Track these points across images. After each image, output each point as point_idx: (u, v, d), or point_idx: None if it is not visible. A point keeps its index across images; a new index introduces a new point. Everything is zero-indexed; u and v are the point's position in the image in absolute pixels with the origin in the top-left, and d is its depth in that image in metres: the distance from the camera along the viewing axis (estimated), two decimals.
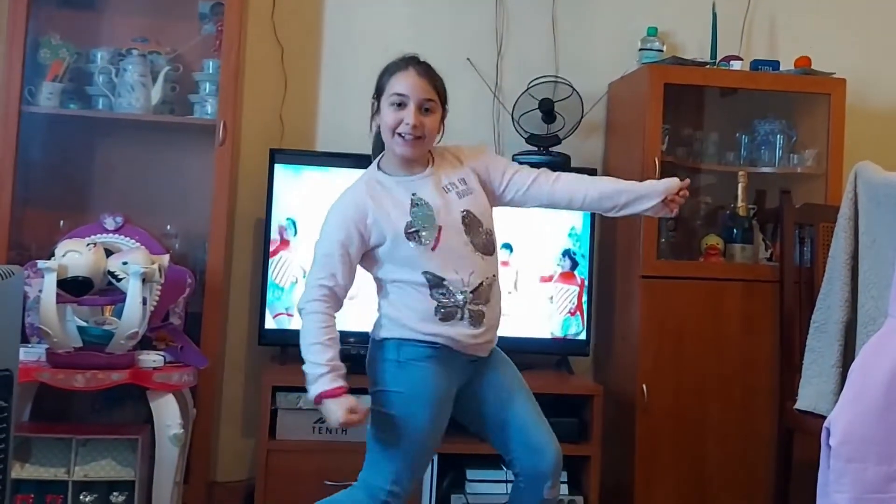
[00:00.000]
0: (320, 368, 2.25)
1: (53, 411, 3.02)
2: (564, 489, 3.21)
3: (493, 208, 2.50)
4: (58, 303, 2.67)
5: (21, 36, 3.20)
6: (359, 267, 2.39)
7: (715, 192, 3.71)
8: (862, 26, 3.97)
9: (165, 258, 2.93)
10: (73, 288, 2.69)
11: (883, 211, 2.86)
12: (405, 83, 2.35)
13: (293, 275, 3.34)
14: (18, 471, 2.72)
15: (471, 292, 2.34)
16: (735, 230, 3.52)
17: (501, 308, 2.47)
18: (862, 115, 3.75)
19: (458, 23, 3.74)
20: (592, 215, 3.51)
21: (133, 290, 2.71)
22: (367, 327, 2.46)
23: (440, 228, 2.33)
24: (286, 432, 3.16)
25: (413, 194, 2.37)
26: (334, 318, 2.32)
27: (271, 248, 3.35)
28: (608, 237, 3.68)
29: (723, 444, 3.36)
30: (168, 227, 3.40)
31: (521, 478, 2.45)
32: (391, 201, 2.36)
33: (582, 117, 3.63)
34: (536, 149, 3.58)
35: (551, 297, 3.49)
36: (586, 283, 3.51)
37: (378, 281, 2.41)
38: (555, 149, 3.58)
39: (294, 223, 3.36)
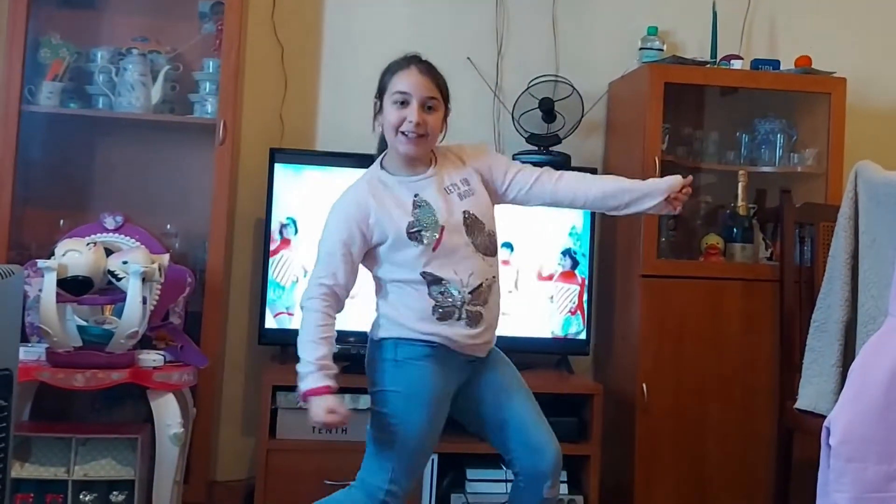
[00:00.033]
0: (309, 366, 2.26)
1: (53, 411, 3.02)
2: (564, 488, 3.21)
3: (496, 206, 2.50)
4: (58, 302, 2.66)
5: (21, 35, 3.20)
6: (360, 266, 2.39)
7: (715, 192, 3.71)
8: (862, 26, 3.97)
9: (165, 257, 2.93)
10: (73, 287, 2.69)
11: (883, 210, 2.86)
12: (408, 81, 2.35)
13: (294, 274, 3.34)
14: (18, 470, 2.72)
15: (469, 293, 2.34)
16: (735, 229, 3.52)
17: (500, 309, 2.47)
18: (862, 115, 3.75)
19: (459, 22, 3.74)
20: (593, 214, 3.51)
21: (133, 290, 2.71)
22: (366, 327, 2.47)
23: (442, 229, 2.34)
24: (286, 432, 3.16)
25: (416, 195, 2.37)
26: (332, 317, 2.32)
27: (272, 247, 3.35)
28: (608, 236, 3.68)
29: (723, 443, 3.36)
30: (168, 226, 3.40)
31: (521, 477, 2.45)
32: (393, 201, 2.36)
33: (582, 117, 3.63)
34: (536, 148, 3.58)
35: (552, 297, 3.49)
36: (587, 282, 3.51)
37: (377, 280, 2.41)
38: (555, 148, 3.58)
39: (294, 222, 3.35)
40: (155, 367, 2.81)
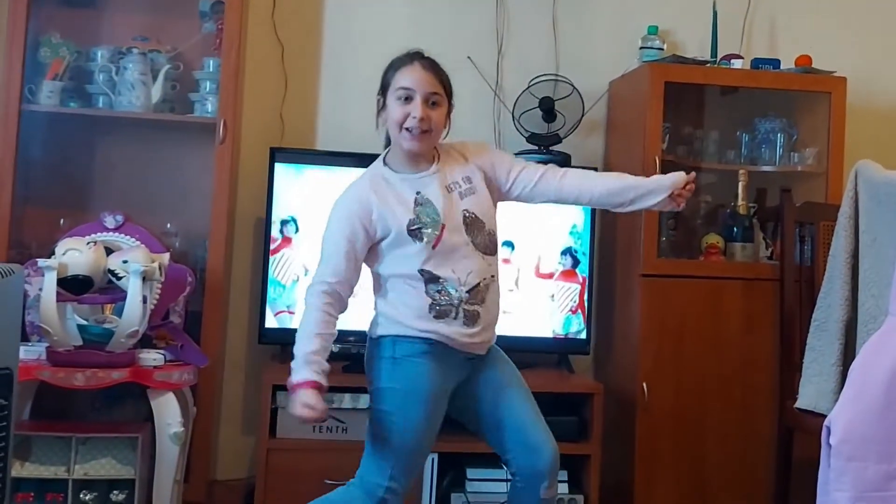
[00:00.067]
0: (299, 359, 2.26)
1: (53, 410, 3.02)
2: (565, 488, 3.21)
3: (500, 203, 2.50)
4: (58, 301, 2.67)
5: (21, 34, 3.20)
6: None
7: (715, 191, 3.71)
8: (862, 25, 3.97)
9: (166, 257, 2.93)
10: (73, 286, 2.69)
11: (883, 209, 2.86)
12: (411, 77, 2.35)
13: (295, 272, 3.34)
14: (18, 469, 2.72)
15: (467, 292, 2.34)
16: (735, 229, 3.51)
17: (500, 308, 2.47)
18: (862, 114, 3.75)
19: (459, 21, 3.74)
20: (593, 213, 3.51)
21: (133, 289, 2.71)
22: (366, 326, 2.47)
23: (443, 227, 2.34)
24: (286, 431, 3.15)
25: (418, 193, 2.37)
26: (332, 315, 2.32)
27: (273, 246, 3.35)
28: (608, 235, 3.68)
29: (723, 442, 3.36)
30: (168, 225, 3.40)
31: (518, 477, 2.45)
32: (395, 198, 2.36)
33: (582, 116, 3.63)
34: (537, 148, 3.57)
35: (552, 295, 3.49)
36: (587, 281, 3.51)
37: (377, 276, 2.41)
38: (555, 147, 3.58)
39: (295, 220, 3.35)
40: (155, 367, 2.80)
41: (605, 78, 3.78)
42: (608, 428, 3.31)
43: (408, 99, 2.34)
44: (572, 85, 3.63)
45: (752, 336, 3.38)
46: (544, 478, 2.40)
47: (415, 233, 2.33)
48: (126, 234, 3.10)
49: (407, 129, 2.34)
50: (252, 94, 3.62)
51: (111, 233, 3.10)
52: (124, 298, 2.72)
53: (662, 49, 3.66)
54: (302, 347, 2.26)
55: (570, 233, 3.50)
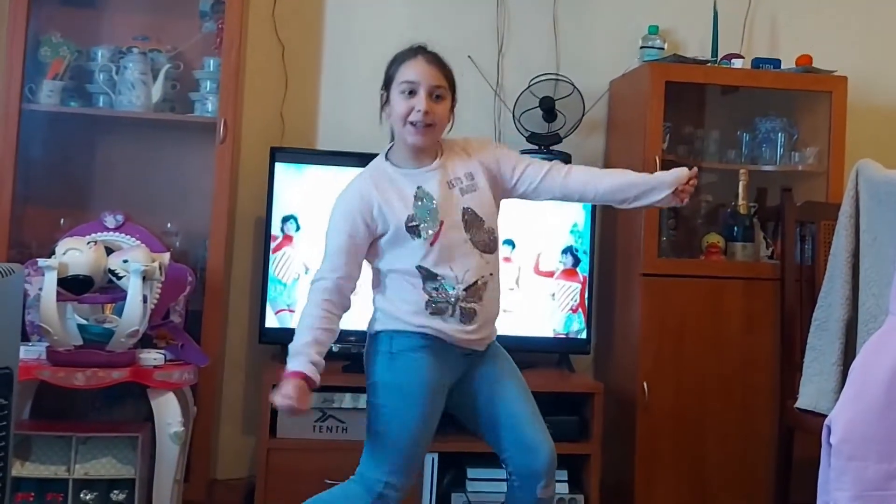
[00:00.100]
0: (290, 352, 2.27)
1: (54, 409, 3.02)
2: (565, 487, 3.22)
3: (503, 200, 2.50)
4: (58, 301, 2.66)
5: (21, 34, 3.19)
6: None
7: (716, 190, 3.71)
8: (863, 25, 3.97)
9: (166, 256, 2.93)
10: (73, 286, 2.69)
11: (884, 209, 2.86)
12: (415, 70, 2.35)
13: (296, 271, 3.35)
14: (19, 469, 2.72)
15: (464, 289, 2.34)
16: (736, 228, 3.51)
17: (499, 305, 2.46)
18: (863, 113, 3.75)
19: (459, 21, 3.74)
20: (593, 212, 3.51)
21: (133, 288, 2.71)
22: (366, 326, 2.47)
23: (441, 224, 2.34)
24: (287, 431, 3.15)
25: (418, 187, 2.37)
26: (331, 311, 2.31)
27: (274, 245, 3.35)
28: (609, 234, 3.68)
29: (723, 442, 3.36)
30: (168, 225, 3.40)
31: (515, 477, 2.44)
32: (396, 193, 2.36)
33: (583, 115, 3.63)
34: (537, 147, 3.57)
35: (553, 294, 3.49)
36: (588, 280, 3.51)
37: (375, 272, 2.42)
38: (556, 147, 3.58)
39: (296, 219, 3.36)
40: (155, 366, 2.80)
41: (606, 77, 3.78)
42: (608, 427, 3.31)
43: (412, 93, 2.34)
44: (573, 84, 3.63)
45: (753, 335, 3.38)
46: (540, 477, 2.39)
47: (413, 229, 2.33)
48: (126, 234, 3.10)
49: (411, 122, 2.33)
50: (252, 93, 3.62)
51: (111, 232, 3.10)
52: (124, 298, 2.72)
53: (663, 49, 3.66)
54: (296, 340, 2.28)
55: (571, 231, 3.50)
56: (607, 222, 3.67)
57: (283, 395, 2.18)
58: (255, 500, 3.12)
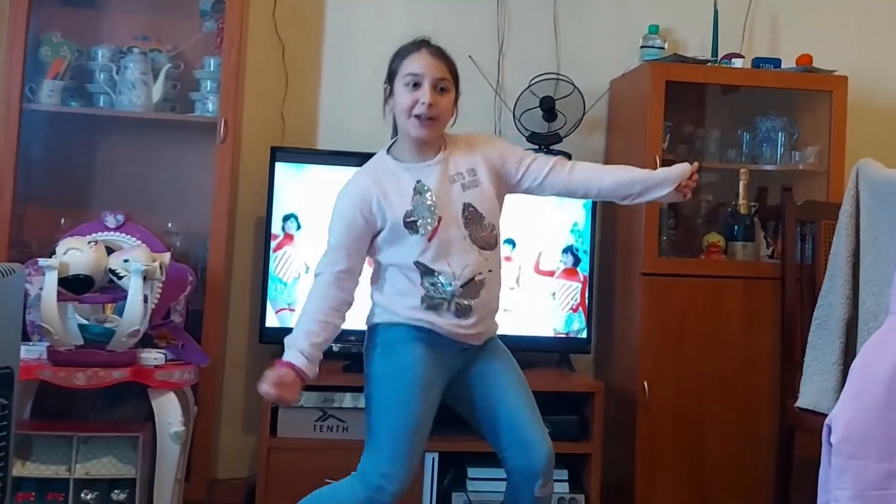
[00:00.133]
0: (285, 343, 2.31)
1: (54, 409, 3.02)
2: (565, 487, 3.22)
3: (507, 196, 2.50)
4: (59, 300, 2.67)
5: (22, 34, 3.19)
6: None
7: (716, 190, 3.71)
8: (863, 24, 3.97)
9: (166, 256, 2.93)
10: (74, 286, 2.69)
11: (884, 208, 2.86)
12: (419, 63, 2.35)
13: (296, 270, 3.35)
14: (19, 469, 2.72)
15: (461, 286, 2.34)
16: (736, 227, 3.51)
17: (498, 302, 2.46)
18: (863, 113, 3.75)
19: (460, 20, 3.74)
20: (593, 211, 3.52)
21: (134, 288, 2.71)
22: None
23: (440, 219, 2.34)
24: (287, 430, 3.16)
25: (417, 181, 2.37)
26: (328, 302, 2.33)
27: (275, 244, 3.36)
28: (609, 234, 3.68)
29: (724, 441, 3.36)
30: (169, 224, 3.41)
31: (512, 476, 2.44)
32: (395, 187, 2.36)
33: (583, 115, 3.63)
34: (538, 147, 3.57)
35: (554, 294, 3.49)
36: (588, 279, 3.51)
37: (375, 265, 2.43)
38: (556, 147, 3.58)
39: (297, 217, 3.36)
40: (156, 366, 2.80)
41: (606, 77, 3.78)
42: (609, 427, 3.31)
43: (416, 85, 2.34)
44: (573, 84, 3.63)
45: (753, 335, 3.38)
46: (538, 476, 2.38)
47: (411, 224, 2.33)
48: (127, 234, 3.10)
49: (416, 115, 2.33)
50: (253, 93, 3.62)
51: (112, 232, 3.10)
52: (125, 298, 2.72)
53: (663, 48, 3.66)
54: (292, 332, 2.32)
55: (572, 231, 3.50)
56: (607, 222, 3.67)
57: (267, 384, 2.22)
58: (256, 500, 3.13)
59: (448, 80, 2.38)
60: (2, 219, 3.17)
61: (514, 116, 3.62)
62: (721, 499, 3.36)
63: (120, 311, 2.79)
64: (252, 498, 3.19)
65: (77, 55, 3.36)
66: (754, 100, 3.69)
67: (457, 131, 2.51)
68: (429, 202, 2.34)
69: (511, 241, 3.40)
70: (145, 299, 2.75)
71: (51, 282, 2.65)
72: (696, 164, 2.52)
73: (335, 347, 3.24)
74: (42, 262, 2.67)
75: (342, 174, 2.47)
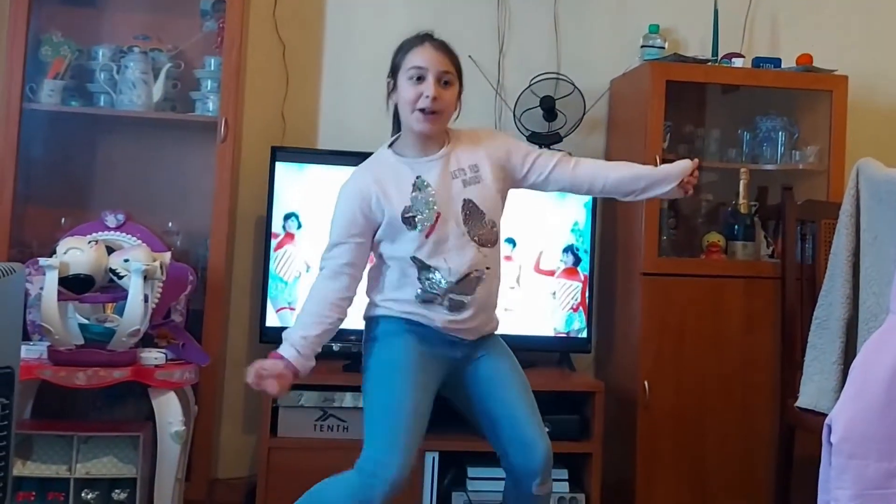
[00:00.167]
0: (285, 334, 2.33)
1: (55, 409, 3.02)
2: (565, 486, 3.22)
3: (511, 190, 2.50)
4: (59, 300, 2.67)
5: (22, 33, 3.20)
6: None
7: (716, 189, 3.71)
8: (863, 24, 3.97)
9: (167, 255, 2.93)
10: (74, 285, 2.69)
11: (884, 208, 2.85)
12: (423, 56, 2.35)
13: (297, 269, 3.35)
14: (20, 468, 2.72)
15: (455, 282, 2.34)
16: (737, 227, 3.51)
17: (495, 299, 2.47)
18: (864, 112, 3.75)
19: (460, 20, 3.73)
20: (594, 211, 3.51)
21: (134, 288, 2.71)
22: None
23: (438, 215, 2.34)
24: (287, 430, 3.16)
25: (417, 177, 2.37)
26: (327, 296, 2.34)
27: (276, 242, 3.36)
28: (609, 234, 3.68)
29: (724, 440, 3.36)
30: (169, 224, 3.41)
31: (511, 474, 2.44)
32: (394, 182, 2.36)
33: (583, 115, 3.63)
34: (538, 146, 3.56)
35: (554, 293, 3.49)
36: (588, 279, 3.51)
37: (376, 258, 2.43)
38: (556, 146, 3.58)
39: (297, 217, 3.36)
40: (156, 365, 2.81)
41: (607, 76, 3.78)
42: (609, 426, 3.31)
43: (420, 78, 2.34)
44: (573, 84, 3.63)
45: (753, 334, 3.38)
46: (536, 475, 2.37)
47: (409, 220, 2.33)
48: (127, 233, 3.10)
49: (420, 109, 2.33)
50: (253, 92, 3.62)
51: (112, 232, 3.10)
52: (125, 297, 2.72)
53: (663, 48, 3.66)
54: (293, 325, 2.36)
55: (572, 230, 3.50)
56: (608, 221, 3.67)
57: (252, 371, 2.26)
58: (256, 499, 3.13)
59: (452, 74, 2.38)
60: (2, 218, 3.17)
61: (514, 116, 3.62)
62: (721, 498, 3.36)
63: (120, 311, 2.79)
64: (252, 497, 3.19)
65: (77, 55, 3.36)
66: (754, 99, 3.69)
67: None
68: (428, 198, 2.35)
69: (511, 241, 3.40)
70: (146, 299, 2.75)
71: (51, 281, 2.65)
72: (696, 160, 2.53)
73: (335, 347, 3.25)
74: (42, 261, 2.67)
75: (342, 174, 2.47)
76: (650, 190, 2.51)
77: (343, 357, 3.25)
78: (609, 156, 3.78)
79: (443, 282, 2.34)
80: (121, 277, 2.73)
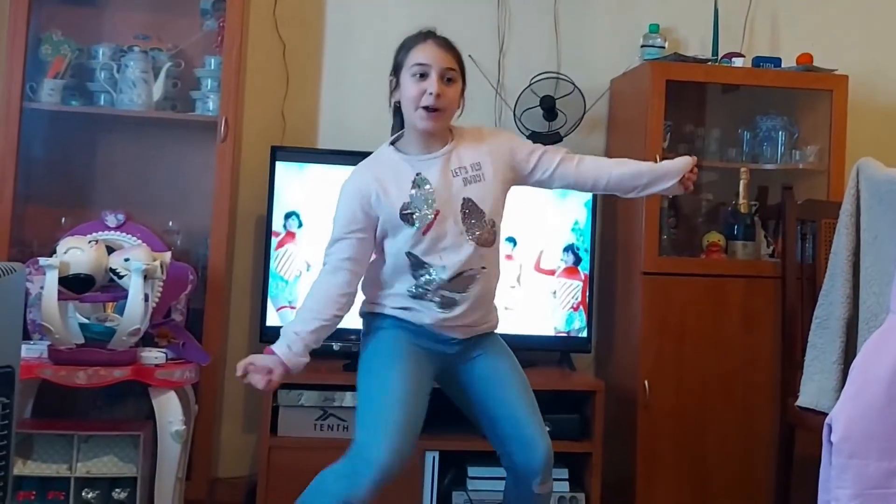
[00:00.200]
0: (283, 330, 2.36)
1: (55, 408, 3.02)
2: (566, 486, 3.22)
3: (516, 188, 2.50)
4: (59, 300, 2.67)
5: (22, 32, 3.19)
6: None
7: (717, 189, 3.71)
8: (864, 23, 3.97)
9: (167, 255, 2.93)
10: (74, 285, 2.70)
11: (885, 207, 2.86)
12: (426, 53, 2.35)
13: (298, 268, 3.35)
14: (20, 467, 2.72)
15: (448, 279, 2.35)
16: (737, 227, 3.51)
17: (491, 299, 2.47)
18: (864, 112, 3.75)
19: (460, 19, 3.73)
20: (594, 210, 3.52)
21: (135, 287, 2.72)
22: None
23: (436, 213, 2.34)
24: (288, 429, 3.16)
25: (417, 174, 2.37)
26: (327, 292, 2.35)
27: (277, 241, 3.36)
28: (609, 233, 3.68)
29: (724, 440, 3.36)
30: (170, 223, 3.40)
31: (511, 473, 2.44)
32: (394, 179, 2.37)
33: (584, 114, 3.63)
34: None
35: (554, 292, 3.49)
36: (589, 278, 3.51)
37: (377, 254, 2.44)
38: (556, 146, 3.57)
39: (298, 215, 3.36)
40: (157, 365, 2.81)
41: (607, 76, 3.78)
42: (609, 426, 3.31)
43: (423, 76, 2.34)
44: (573, 83, 3.63)
45: (754, 334, 3.38)
46: (536, 474, 2.37)
47: (407, 217, 2.34)
48: (127, 233, 3.11)
49: (423, 106, 2.33)
50: (253, 92, 3.62)
51: (112, 231, 3.10)
52: (126, 297, 2.72)
53: (664, 47, 3.66)
54: (293, 321, 2.39)
55: (572, 230, 3.50)
56: (608, 220, 3.67)
57: (243, 366, 2.30)
58: (257, 499, 3.13)
59: (455, 71, 2.38)
60: (2, 218, 3.17)
61: (514, 115, 3.62)
62: (721, 498, 3.36)
63: (121, 310, 2.79)
64: (253, 496, 3.19)
65: (77, 54, 3.36)
66: (754, 99, 3.69)
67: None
68: (427, 195, 2.35)
69: (512, 240, 3.40)
70: (146, 298, 2.75)
71: (51, 281, 2.65)
72: (693, 157, 2.56)
73: (335, 346, 3.25)
74: (43, 261, 2.67)
75: (342, 173, 2.47)
76: (652, 186, 2.52)
77: (343, 356, 3.25)
78: (609, 155, 3.77)
79: (437, 278, 2.34)
80: (121, 277, 2.73)
